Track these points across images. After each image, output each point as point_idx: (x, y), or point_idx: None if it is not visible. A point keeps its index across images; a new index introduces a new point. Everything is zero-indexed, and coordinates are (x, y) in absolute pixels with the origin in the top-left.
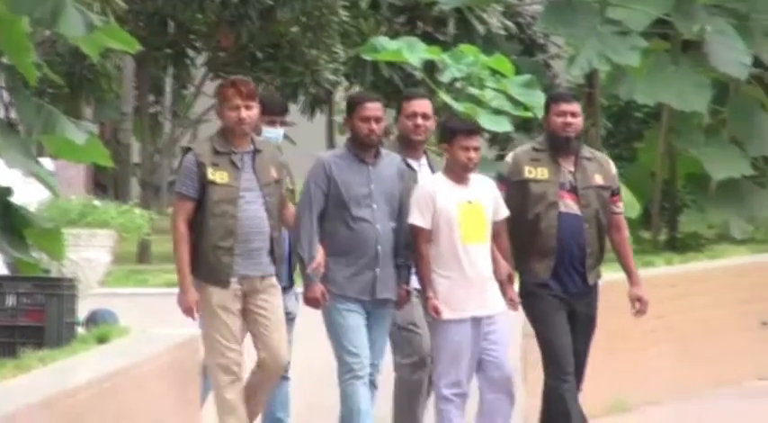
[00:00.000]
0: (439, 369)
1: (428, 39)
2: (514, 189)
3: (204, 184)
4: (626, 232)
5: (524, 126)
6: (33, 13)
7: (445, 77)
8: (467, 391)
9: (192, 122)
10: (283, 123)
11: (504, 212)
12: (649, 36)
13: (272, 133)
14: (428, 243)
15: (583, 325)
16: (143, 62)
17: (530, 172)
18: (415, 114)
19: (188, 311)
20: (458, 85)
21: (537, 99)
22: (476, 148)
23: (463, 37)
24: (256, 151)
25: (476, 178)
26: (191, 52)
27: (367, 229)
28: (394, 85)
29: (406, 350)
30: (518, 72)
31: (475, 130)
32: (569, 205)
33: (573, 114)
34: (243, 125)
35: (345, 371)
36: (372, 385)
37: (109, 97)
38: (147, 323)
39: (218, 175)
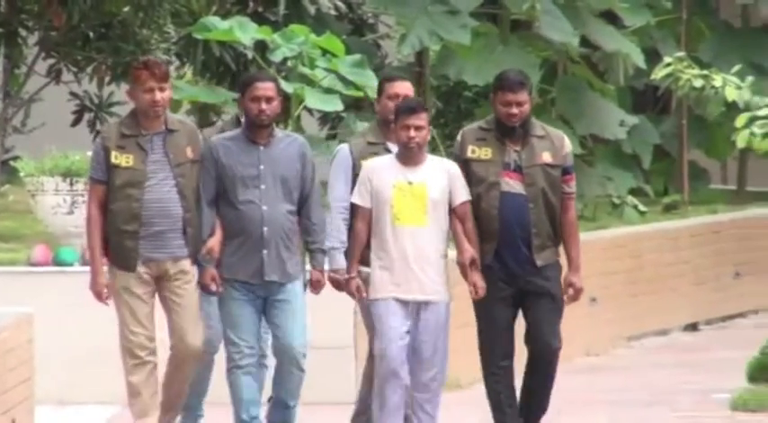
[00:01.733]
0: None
1: (259, 18)
2: (460, 168)
3: (109, 168)
4: (572, 214)
5: (356, 105)
6: None
7: (276, 57)
8: (402, 378)
9: (24, 102)
10: None
11: (465, 196)
12: (479, 17)
13: None
14: (366, 222)
15: (539, 300)
16: None
17: (473, 151)
18: (397, 96)
19: (98, 296)
20: (289, 64)
21: (367, 78)
22: (417, 127)
23: (294, 17)
24: (168, 131)
25: (432, 161)
26: (23, 31)
27: (252, 210)
28: (225, 65)
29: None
30: (348, 52)
31: (416, 108)
32: (512, 185)
33: (518, 104)
34: (156, 108)
35: (228, 360)
36: (298, 369)
37: None
38: None
39: (122, 159)
